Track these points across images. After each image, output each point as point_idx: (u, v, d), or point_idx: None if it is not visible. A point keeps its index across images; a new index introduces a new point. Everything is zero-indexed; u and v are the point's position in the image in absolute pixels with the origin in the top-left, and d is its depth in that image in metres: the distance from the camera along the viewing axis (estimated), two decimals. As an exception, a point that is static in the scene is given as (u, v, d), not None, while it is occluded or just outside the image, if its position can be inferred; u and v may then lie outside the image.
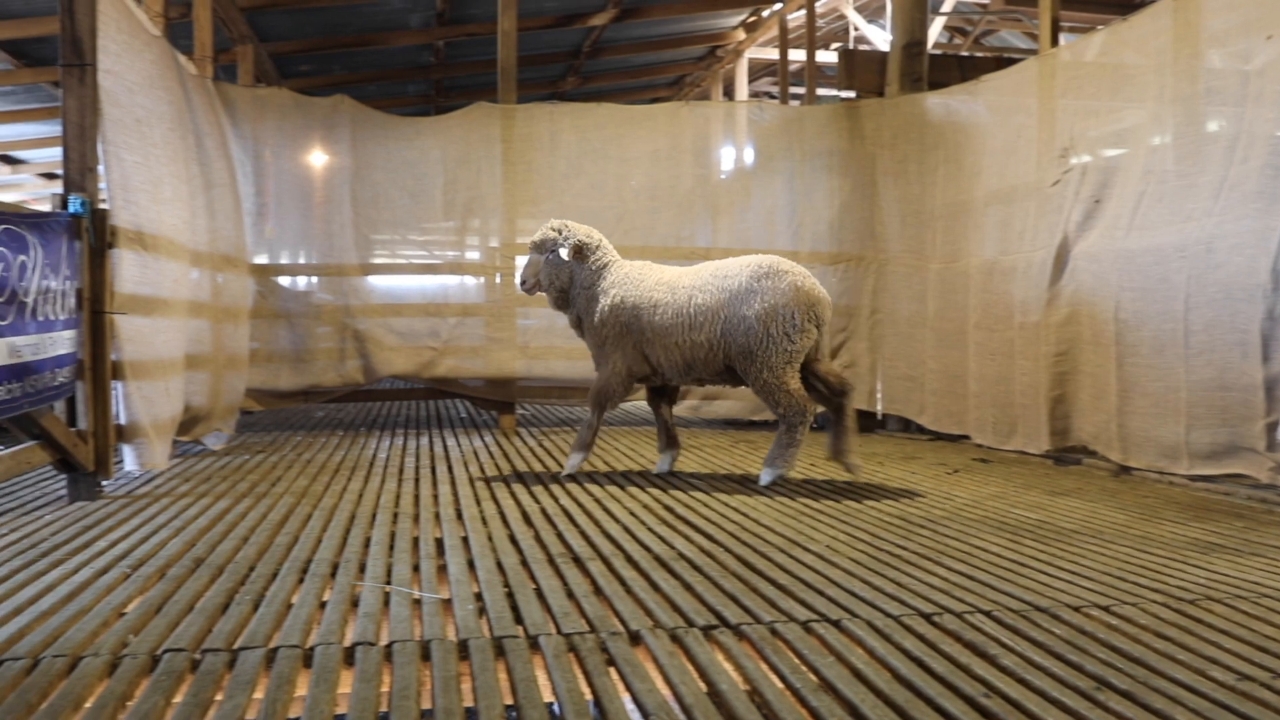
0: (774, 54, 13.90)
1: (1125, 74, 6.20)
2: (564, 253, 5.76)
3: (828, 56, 13.60)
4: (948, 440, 7.85)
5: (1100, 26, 7.47)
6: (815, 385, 5.75)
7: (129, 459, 5.44)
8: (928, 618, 3.09)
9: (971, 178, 7.59)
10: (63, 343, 4.71)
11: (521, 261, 8.33)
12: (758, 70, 16.01)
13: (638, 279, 5.82)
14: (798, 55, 13.53)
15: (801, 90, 14.06)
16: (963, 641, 2.88)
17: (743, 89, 14.43)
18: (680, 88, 16.85)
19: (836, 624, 3.02)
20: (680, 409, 8.75)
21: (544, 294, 6.00)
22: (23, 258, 4.27)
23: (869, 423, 8.75)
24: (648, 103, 13.73)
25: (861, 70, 8.95)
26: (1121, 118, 6.32)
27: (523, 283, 5.94)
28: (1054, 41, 6.97)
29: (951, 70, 8.79)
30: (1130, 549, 4.11)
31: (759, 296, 5.52)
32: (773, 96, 16.46)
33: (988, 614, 3.13)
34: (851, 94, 8.98)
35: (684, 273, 5.87)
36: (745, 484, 5.69)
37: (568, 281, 5.85)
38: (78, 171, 5.09)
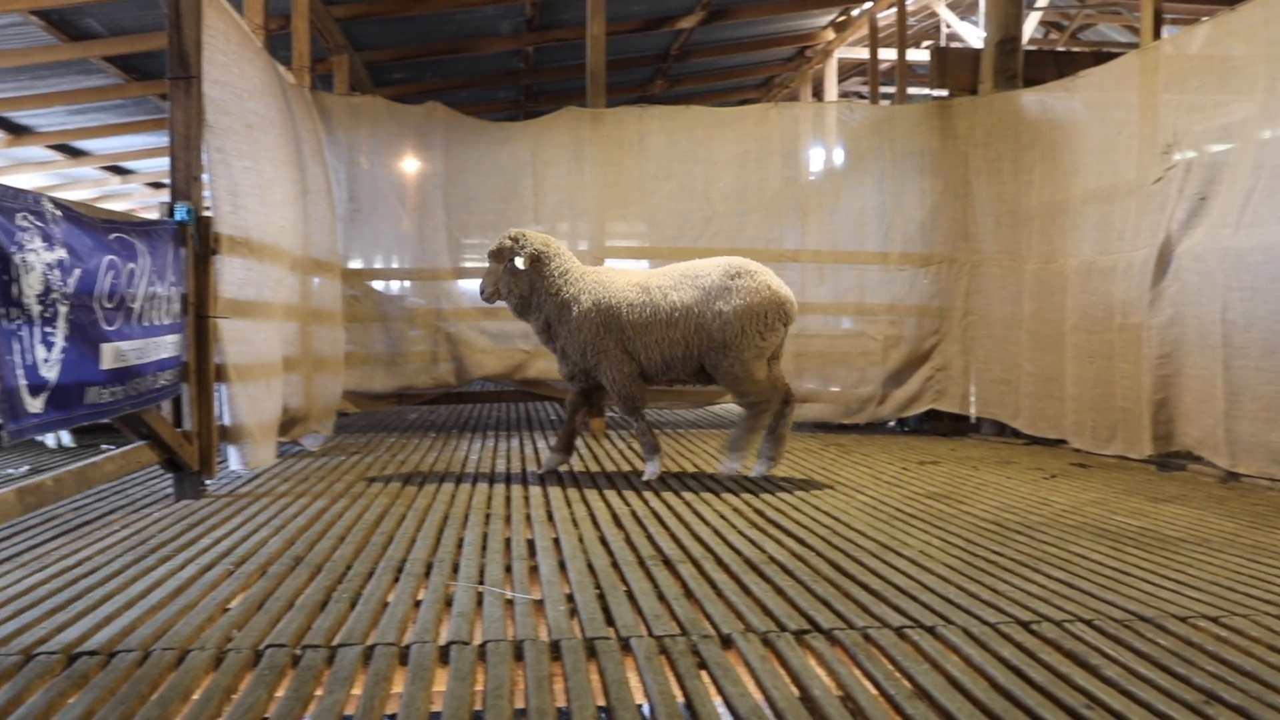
0: (864, 53, 13.75)
1: (1233, 66, 5.99)
2: (520, 262, 5.80)
3: (919, 55, 13.41)
4: (1044, 445, 7.67)
5: (1205, 18, 7.23)
6: None
7: (234, 459, 5.61)
8: (1026, 626, 3.02)
9: (1069, 176, 7.41)
10: (166, 346, 4.86)
11: (615, 264, 8.41)
12: (847, 70, 15.84)
13: (607, 281, 5.90)
14: (888, 54, 13.36)
15: (892, 90, 13.87)
16: (1063, 651, 2.81)
17: (832, 89, 14.30)
18: (769, 89, 16.77)
19: (931, 630, 2.98)
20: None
21: (503, 302, 6.06)
22: (132, 265, 4.42)
23: (962, 426, 8.62)
24: (736, 104, 13.71)
25: (954, 68, 8.82)
26: (1229, 112, 6.11)
27: (481, 291, 5.99)
28: (1156, 34, 6.78)
29: (1047, 66, 8.61)
30: (1240, 558, 3.97)
31: (735, 294, 5.66)
32: (863, 96, 16.29)
33: (1089, 623, 3.05)
34: (944, 92, 8.86)
35: (653, 273, 5.98)
36: (836, 488, 5.63)
37: (528, 289, 5.88)
38: (184, 180, 5.26)
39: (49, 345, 3.72)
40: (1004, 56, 8.27)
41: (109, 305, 4.20)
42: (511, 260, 5.83)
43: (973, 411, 8.51)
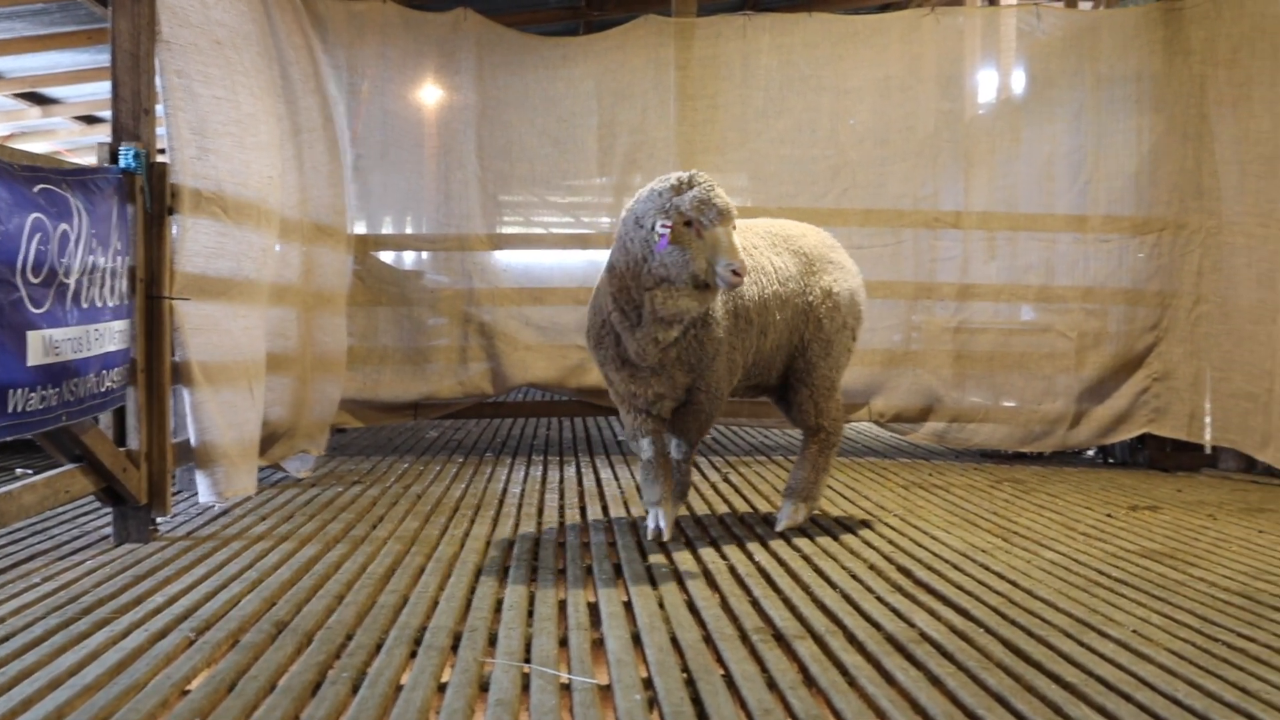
0: (1055, -61, 13.56)
1: None
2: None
3: (1133, -59, 13.19)
4: (1310, 486, 7.51)
5: None
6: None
7: (204, 489, 5.65)
8: (1288, 737, 2.95)
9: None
10: (112, 336, 4.95)
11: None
12: (1031, -37, 15.64)
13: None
14: (1089, -60, 13.16)
15: (1094, -11, 13.64)
16: (1341, 773, 2.74)
17: (1010, -11, 14.13)
18: (921, -11, 16.62)
19: (1152, 741, 2.93)
20: (921, 435, 8.65)
21: (685, 296, 4.95)
22: (64, 227, 4.49)
23: (1193, 459, 8.44)
24: (876, 11, 13.60)
25: (1186, -43, 8.64)
26: None
27: (737, 274, 4.74)
28: None
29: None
30: None
31: (839, 270, 5.69)
32: (1053, -1, 16.08)
33: (1378, 735, 2.97)
34: (1171, -10, 8.68)
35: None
36: (1013, 541, 5.56)
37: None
38: (130, 114, 5.35)
39: None
40: (1262, -65, 8.09)
41: (35, 280, 4.27)
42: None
43: (1207, 438, 8.33)
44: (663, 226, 4.73)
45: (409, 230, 9.01)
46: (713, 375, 5.31)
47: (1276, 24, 7.78)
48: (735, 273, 4.68)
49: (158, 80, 5.41)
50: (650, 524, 5.46)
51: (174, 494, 5.63)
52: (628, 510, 6.24)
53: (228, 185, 5.76)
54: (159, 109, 5.47)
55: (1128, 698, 3.26)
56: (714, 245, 4.71)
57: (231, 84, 5.87)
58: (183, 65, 5.51)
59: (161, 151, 5.54)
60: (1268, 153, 7.84)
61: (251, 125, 6.05)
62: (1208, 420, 8.29)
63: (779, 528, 5.67)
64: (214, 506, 6.01)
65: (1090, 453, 8.98)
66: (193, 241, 5.55)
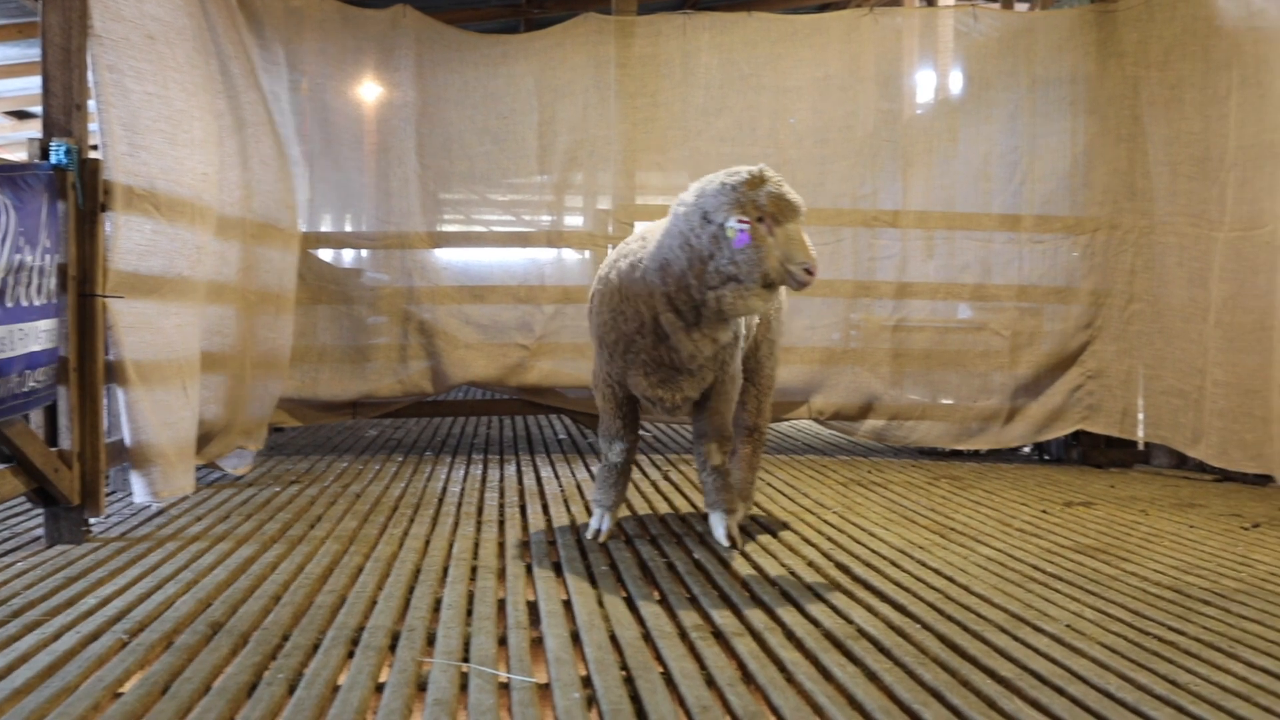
0: (991, -59, 13.66)
1: None
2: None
3: (1068, -57, 13.30)
4: (1241, 482, 7.60)
5: None
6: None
7: (139, 489, 5.59)
8: (1217, 730, 2.99)
9: (1282, 108, 7.33)
10: (37, 336, 4.88)
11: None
12: (968, -36, 15.75)
13: None
14: (1025, -58, 13.28)
15: (1030, -9, 13.77)
16: (1269, 765, 2.78)
17: (947, -10, 14.22)
18: (860, -10, 16.69)
19: (1085, 735, 2.95)
20: (860, 433, 8.70)
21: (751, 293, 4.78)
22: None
23: (1126, 455, 8.54)
24: (815, 11, 13.65)
25: (1119, -41, 8.73)
26: None
27: (810, 274, 4.73)
28: None
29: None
30: None
31: None
32: (991, 0, 16.20)
33: (1305, 727, 3.01)
34: (1104, -7, 8.78)
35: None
36: (949, 537, 5.59)
37: None
38: (62, 109, 5.27)
39: None
40: (1192, -59, 8.18)
41: (-41, 278, 4.22)
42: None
43: (1140, 434, 8.42)
44: (740, 223, 4.64)
45: (348, 228, 8.94)
46: (734, 365, 5.31)
47: (1206, 26, 7.87)
48: (809, 271, 4.64)
49: (89, 75, 5.35)
50: (593, 524, 5.46)
51: (108, 494, 5.56)
52: (568, 509, 6.23)
53: (160, 182, 5.69)
54: (91, 104, 5.40)
55: (1061, 691, 3.29)
56: (788, 243, 4.66)
57: (163, 80, 5.80)
58: (114, 60, 5.43)
59: (94, 148, 5.47)
60: (1198, 154, 7.93)
61: (184, 122, 5.98)
62: (1140, 417, 8.39)
63: (718, 534, 5.53)
64: (149, 507, 5.95)
65: (1026, 449, 9.06)
66: (126, 239, 5.47)
